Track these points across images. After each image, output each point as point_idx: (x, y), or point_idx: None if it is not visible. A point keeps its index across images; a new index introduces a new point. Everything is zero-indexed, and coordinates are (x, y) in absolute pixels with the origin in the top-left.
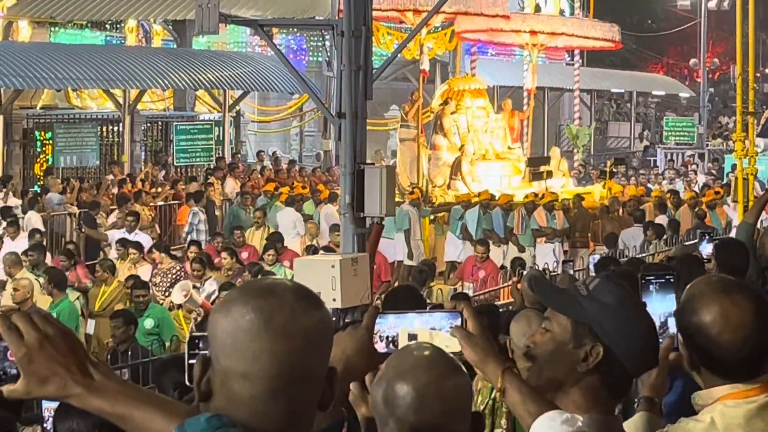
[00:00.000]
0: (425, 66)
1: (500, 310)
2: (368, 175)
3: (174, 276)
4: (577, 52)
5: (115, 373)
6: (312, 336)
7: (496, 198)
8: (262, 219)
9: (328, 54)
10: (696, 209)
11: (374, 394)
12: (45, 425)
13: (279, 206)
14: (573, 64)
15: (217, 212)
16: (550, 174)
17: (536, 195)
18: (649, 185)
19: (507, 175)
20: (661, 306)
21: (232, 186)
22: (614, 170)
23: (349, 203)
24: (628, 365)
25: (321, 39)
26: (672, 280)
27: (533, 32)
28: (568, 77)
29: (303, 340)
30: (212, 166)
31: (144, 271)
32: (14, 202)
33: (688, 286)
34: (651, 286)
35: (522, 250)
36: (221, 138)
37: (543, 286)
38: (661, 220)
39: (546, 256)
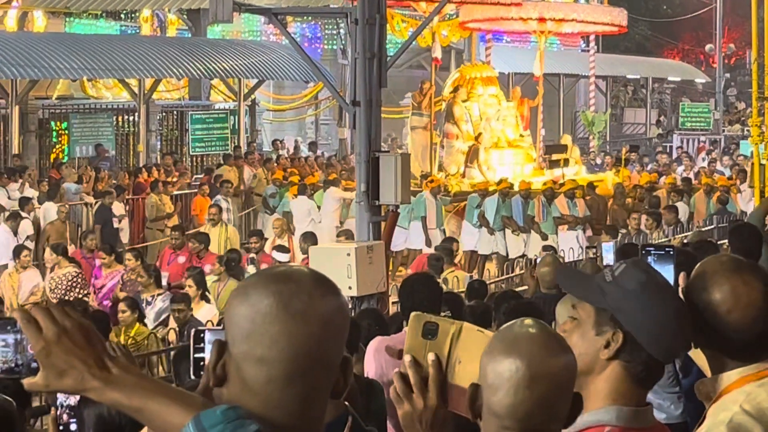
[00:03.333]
0: (437, 54)
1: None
2: (383, 163)
3: (69, 284)
4: (592, 38)
5: (134, 367)
6: (329, 322)
7: (515, 186)
8: (218, 216)
9: (343, 42)
10: (718, 195)
11: (483, 365)
12: (62, 411)
13: (287, 197)
14: (588, 51)
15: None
16: (567, 162)
17: (554, 182)
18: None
19: (519, 162)
20: None
21: (249, 174)
22: (629, 157)
23: (365, 191)
24: (653, 351)
25: (336, 27)
26: (671, 252)
27: (542, 19)
28: (584, 64)
29: (320, 325)
30: (225, 156)
31: (29, 277)
32: (31, 192)
33: (698, 264)
34: (649, 258)
35: (545, 237)
36: (236, 127)
37: (566, 274)
38: (681, 206)
39: (570, 243)
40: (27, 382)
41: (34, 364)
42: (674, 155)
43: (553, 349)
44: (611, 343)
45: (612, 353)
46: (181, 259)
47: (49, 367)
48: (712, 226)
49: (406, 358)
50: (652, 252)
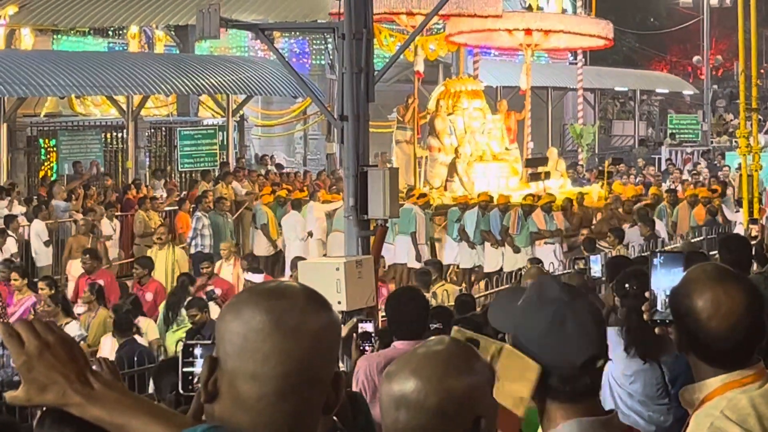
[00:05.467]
0: (420, 67)
1: None
2: (371, 177)
3: None
4: (579, 51)
5: (117, 382)
6: (321, 338)
7: (495, 199)
8: (166, 236)
9: (331, 57)
10: (708, 206)
11: (380, 389)
12: None
13: (262, 210)
14: (576, 63)
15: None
16: (548, 175)
17: (533, 196)
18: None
19: (504, 176)
20: (665, 280)
21: (239, 189)
22: (612, 170)
23: (353, 206)
24: (545, 361)
25: (323, 42)
26: (680, 255)
27: (528, 31)
28: (572, 76)
29: (312, 341)
30: (216, 172)
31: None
32: (19, 209)
33: (686, 272)
34: (655, 260)
35: (517, 251)
36: (225, 143)
37: (492, 307)
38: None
39: (547, 257)
40: (9, 395)
41: (15, 378)
42: (663, 167)
43: (440, 371)
44: None
45: None
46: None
47: (31, 382)
48: (702, 237)
49: None
50: (660, 255)
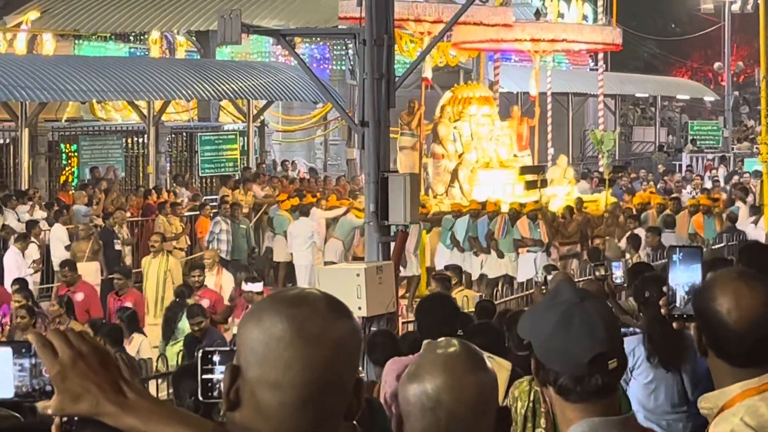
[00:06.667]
0: (427, 74)
1: None
2: (392, 183)
3: None
4: (600, 57)
5: (149, 391)
6: (343, 345)
7: (500, 207)
8: (160, 244)
9: (351, 63)
10: (728, 214)
11: (400, 391)
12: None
13: (281, 216)
14: (597, 70)
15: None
16: (544, 183)
17: (520, 204)
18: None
19: (511, 183)
20: (684, 276)
21: (259, 194)
22: (613, 178)
23: (374, 211)
24: (552, 364)
25: (344, 48)
26: (699, 251)
27: (534, 40)
28: (592, 82)
29: (334, 348)
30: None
31: None
32: (40, 214)
33: (709, 274)
34: (674, 256)
35: (501, 256)
36: (246, 148)
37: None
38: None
39: (527, 265)
40: (42, 405)
41: (48, 388)
42: (683, 173)
43: (459, 369)
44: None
45: (538, 380)
46: (79, 296)
47: (64, 392)
48: (722, 244)
49: None
50: (679, 250)
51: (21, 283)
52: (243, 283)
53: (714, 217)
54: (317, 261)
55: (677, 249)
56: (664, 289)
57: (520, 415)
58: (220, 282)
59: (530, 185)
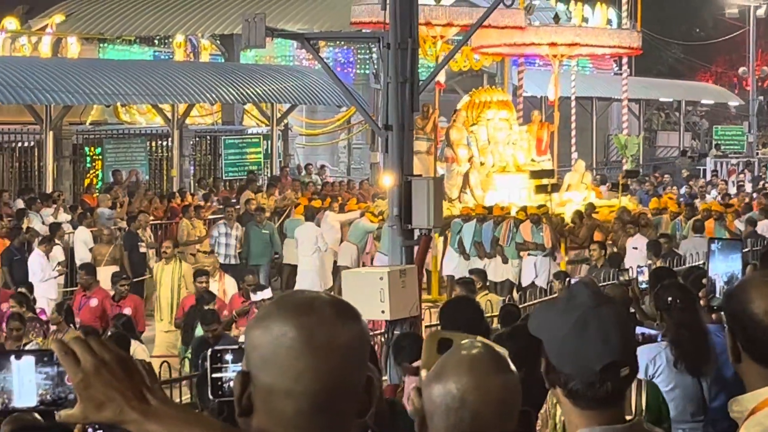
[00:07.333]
0: (441, 78)
1: None
2: (416, 187)
3: None
4: (624, 61)
5: (172, 401)
6: (352, 349)
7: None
8: (172, 250)
9: (375, 66)
10: (748, 217)
11: (424, 392)
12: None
13: (295, 219)
14: (621, 74)
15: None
16: (555, 187)
17: (524, 210)
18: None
19: (527, 187)
20: (723, 266)
21: (279, 196)
22: (626, 183)
23: (397, 215)
24: (563, 367)
25: (368, 51)
26: (738, 241)
27: (552, 44)
28: (616, 87)
29: (344, 354)
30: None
31: None
32: (64, 217)
33: (740, 278)
34: (713, 246)
35: (505, 261)
36: (269, 152)
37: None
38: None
39: (527, 268)
40: (64, 413)
41: (71, 396)
42: (708, 178)
43: (484, 369)
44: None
45: (547, 380)
46: (94, 302)
47: (88, 399)
48: (747, 249)
49: (423, 372)
50: (718, 241)
51: (20, 294)
52: (251, 293)
53: (725, 222)
54: (327, 265)
55: (716, 240)
56: (704, 280)
57: (559, 422)
58: (223, 287)
59: (540, 189)
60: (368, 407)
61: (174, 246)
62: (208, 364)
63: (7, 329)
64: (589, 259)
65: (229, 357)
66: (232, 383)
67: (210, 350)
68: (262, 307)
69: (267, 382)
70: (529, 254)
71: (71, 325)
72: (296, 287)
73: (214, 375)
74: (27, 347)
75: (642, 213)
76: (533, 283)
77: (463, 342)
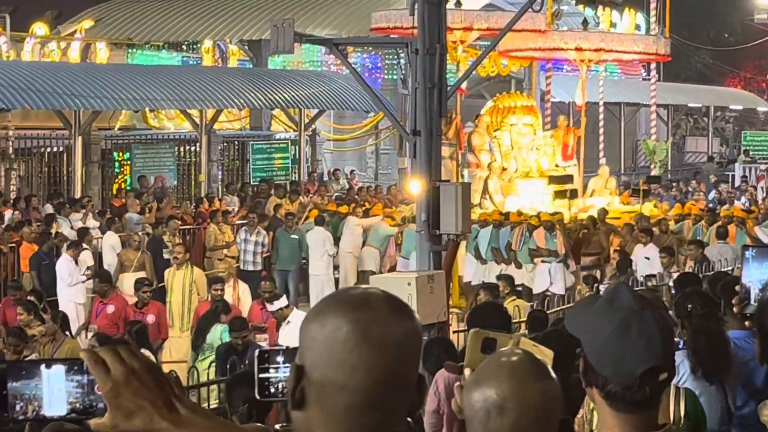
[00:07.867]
0: (463, 84)
1: None
2: (444, 192)
3: None
4: (653, 66)
5: (201, 407)
6: (406, 346)
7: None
8: (183, 256)
9: (403, 72)
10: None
11: (464, 397)
12: None
13: (310, 224)
14: (649, 79)
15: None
16: (574, 193)
17: (538, 216)
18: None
19: (550, 192)
20: (757, 273)
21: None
22: (648, 189)
23: (425, 220)
24: (603, 370)
25: (396, 57)
26: None
27: (579, 49)
28: (645, 92)
29: (398, 350)
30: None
31: None
32: (93, 223)
33: None
34: (747, 253)
35: (519, 266)
36: (297, 157)
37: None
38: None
39: (542, 275)
40: (94, 423)
41: (100, 405)
42: (737, 184)
43: (525, 376)
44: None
45: (584, 380)
46: (110, 309)
47: (118, 408)
48: None
49: (467, 371)
50: (752, 248)
51: (28, 303)
52: (266, 303)
53: (746, 228)
54: (352, 268)
55: (750, 247)
56: (737, 287)
57: (596, 429)
58: (237, 294)
59: (559, 195)
60: (418, 406)
61: (185, 251)
62: (255, 365)
63: (5, 343)
64: (602, 265)
65: (280, 358)
66: (280, 384)
67: (258, 351)
68: (319, 302)
69: (321, 376)
70: (542, 261)
71: (67, 333)
72: (310, 292)
73: (261, 375)
74: (27, 359)
75: (663, 219)
76: (547, 290)
77: (503, 349)
